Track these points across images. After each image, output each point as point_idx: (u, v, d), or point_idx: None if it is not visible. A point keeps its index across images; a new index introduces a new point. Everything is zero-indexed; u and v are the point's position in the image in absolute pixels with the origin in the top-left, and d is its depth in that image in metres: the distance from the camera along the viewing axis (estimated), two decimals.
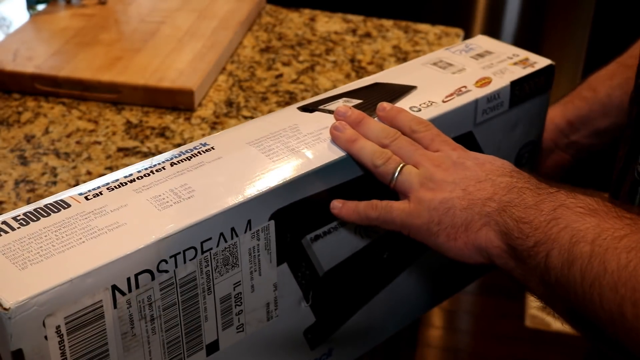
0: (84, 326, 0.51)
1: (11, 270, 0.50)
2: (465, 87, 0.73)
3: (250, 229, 0.59)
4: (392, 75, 0.78)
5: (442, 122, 0.69)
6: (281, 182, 0.60)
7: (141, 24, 1.22)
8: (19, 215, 0.54)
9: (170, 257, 0.54)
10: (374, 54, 1.22)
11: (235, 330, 0.61)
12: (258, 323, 0.63)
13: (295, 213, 0.62)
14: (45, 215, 0.55)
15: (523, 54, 0.80)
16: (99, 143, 0.97)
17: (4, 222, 0.54)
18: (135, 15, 1.25)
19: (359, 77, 1.15)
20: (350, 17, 1.35)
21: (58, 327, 0.50)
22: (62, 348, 0.50)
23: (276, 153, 0.63)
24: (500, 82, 0.75)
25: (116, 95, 1.05)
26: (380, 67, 1.18)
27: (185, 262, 0.55)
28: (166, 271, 0.54)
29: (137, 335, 0.54)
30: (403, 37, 1.28)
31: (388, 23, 1.33)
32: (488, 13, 2.36)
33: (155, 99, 1.05)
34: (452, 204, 0.60)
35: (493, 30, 2.37)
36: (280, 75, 1.15)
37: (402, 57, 1.22)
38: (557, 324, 2.08)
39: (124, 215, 0.55)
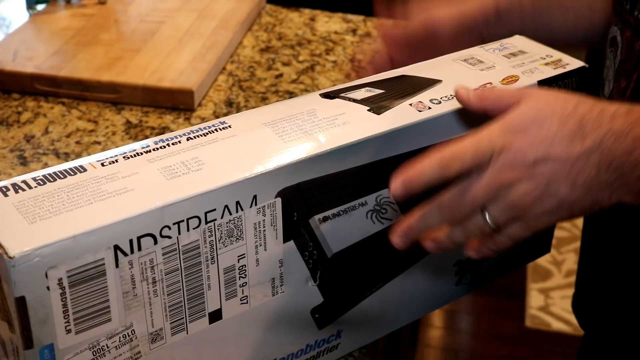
0: (86, 281, 0.54)
1: (21, 223, 0.53)
2: (490, 83, 0.73)
3: (255, 204, 0.60)
4: (420, 68, 0.78)
5: (461, 116, 0.70)
6: (289, 162, 0.61)
7: (141, 23, 1.22)
8: (38, 176, 0.58)
9: (174, 223, 0.56)
10: (374, 53, 1.22)
11: (239, 301, 0.63)
12: (263, 297, 0.64)
13: (304, 193, 0.63)
14: (62, 177, 0.58)
15: (557, 55, 0.80)
16: (99, 143, 0.96)
17: (24, 181, 0.57)
18: (135, 15, 1.25)
19: (359, 77, 1.15)
20: (350, 17, 1.35)
21: (60, 279, 0.53)
22: (64, 300, 0.53)
23: (289, 134, 0.64)
24: (528, 80, 0.74)
25: (116, 95, 1.05)
26: None
27: (188, 230, 0.57)
28: (169, 237, 0.57)
29: (139, 295, 0.57)
30: None
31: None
32: None
33: (155, 99, 1.05)
34: (567, 202, 0.58)
35: None
36: (280, 75, 1.14)
37: None
38: (557, 324, 2.08)
39: (133, 181, 0.58)
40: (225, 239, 0.60)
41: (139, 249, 0.55)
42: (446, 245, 0.61)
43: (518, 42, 0.83)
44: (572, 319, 2.09)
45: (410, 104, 0.69)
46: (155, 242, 0.56)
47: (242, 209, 0.60)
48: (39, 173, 0.58)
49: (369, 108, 0.68)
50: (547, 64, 0.77)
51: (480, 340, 2.07)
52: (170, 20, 1.23)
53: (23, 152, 0.94)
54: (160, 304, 0.58)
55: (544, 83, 0.75)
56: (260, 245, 0.62)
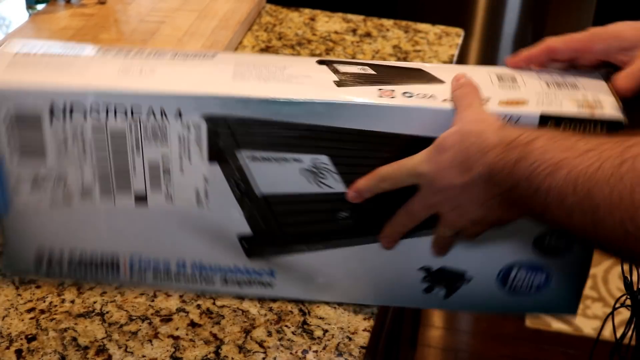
0: (24, 122, 0.68)
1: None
2: (486, 99, 0.69)
3: (180, 119, 0.68)
4: (443, 68, 0.74)
5: (412, 115, 0.68)
6: (216, 93, 0.68)
7: (141, 23, 1.22)
8: (57, 50, 0.74)
9: (103, 105, 0.67)
10: (374, 53, 1.22)
11: (163, 196, 0.71)
12: (187, 202, 0.72)
13: (231, 126, 0.68)
14: (66, 53, 0.73)
15: (601, 97, 0.69)
16: None
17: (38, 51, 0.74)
18: (135, 15, 1.25)
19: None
20: (350, 16, 1.35)
21: (8, 112, 0.67)
22: (9, 131, 0.68)
23: (243, 76, 0.70)
24: (534, 108, 0.67)
25: None
26: None
27: (115, 116, 0.68)
28: (97, 112, 0.68)
29: (70, 155, 0.69)
30: (403, 36, 1.28)
31: (388, 23, 1.33)
32: (488, 13, 2.36)
33: None
34: (479, 217, 0.67)
35: (493, 30, 2.37)
36: None
37: (402, 56, 1.22)
38: (557, 324, 2.07)
39: (95, 66, 0.71)
40: (151, 138, 0.69)
41: (71, 119, 0.68)
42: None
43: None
44: (572, 318, 2.08)
45: (380, 89, 0.69)
46: (85, 118, 0.68)
47: (166, 117, 0.68)
48: (58, 48, 0.74)
49: (337, 80, 0.70)
50: (577, 100, 0.69)
51: (480, 340, 2.07)
52: (170, 20, 1.23)
53: None
54: (91, 169, 0.70)
55: (548, 119, 0.67)
56: (185, 157, 0.70)
